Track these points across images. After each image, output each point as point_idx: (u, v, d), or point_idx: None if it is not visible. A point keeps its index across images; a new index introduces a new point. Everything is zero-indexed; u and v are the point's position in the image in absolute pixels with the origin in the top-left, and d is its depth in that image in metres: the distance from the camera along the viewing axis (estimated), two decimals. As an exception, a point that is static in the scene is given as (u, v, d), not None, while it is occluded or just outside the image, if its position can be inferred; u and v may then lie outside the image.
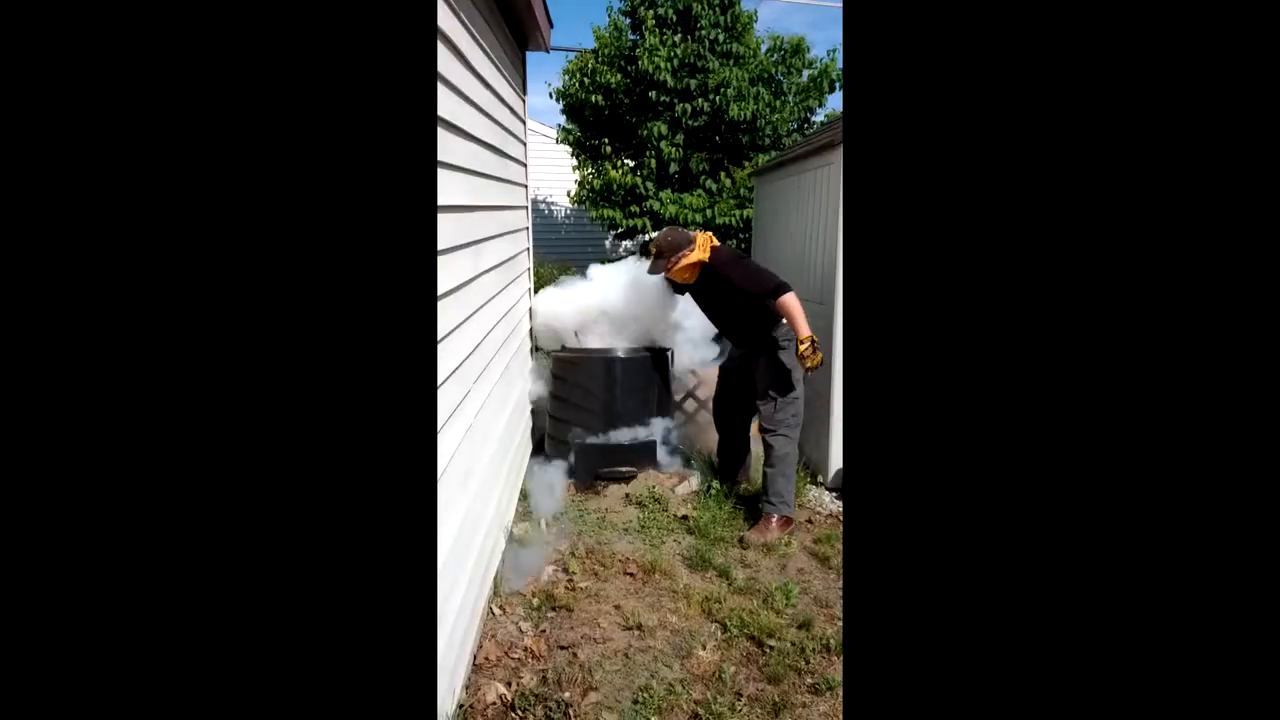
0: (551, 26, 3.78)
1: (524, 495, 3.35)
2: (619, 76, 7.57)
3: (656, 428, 3.59)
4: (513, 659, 2.24)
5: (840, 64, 7.77)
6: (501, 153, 2.92)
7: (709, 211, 7.38)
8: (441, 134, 1.79)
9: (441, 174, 1.79)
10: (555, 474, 3.47)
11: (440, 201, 1.77)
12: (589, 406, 3.56)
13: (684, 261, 3.14)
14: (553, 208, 10.85)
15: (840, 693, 2.08)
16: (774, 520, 3.07)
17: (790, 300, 2.96)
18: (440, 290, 1.73)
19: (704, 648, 2.29)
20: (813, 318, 3.10)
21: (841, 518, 3.32)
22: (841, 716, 2.00)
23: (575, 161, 8.45)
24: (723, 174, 7.56)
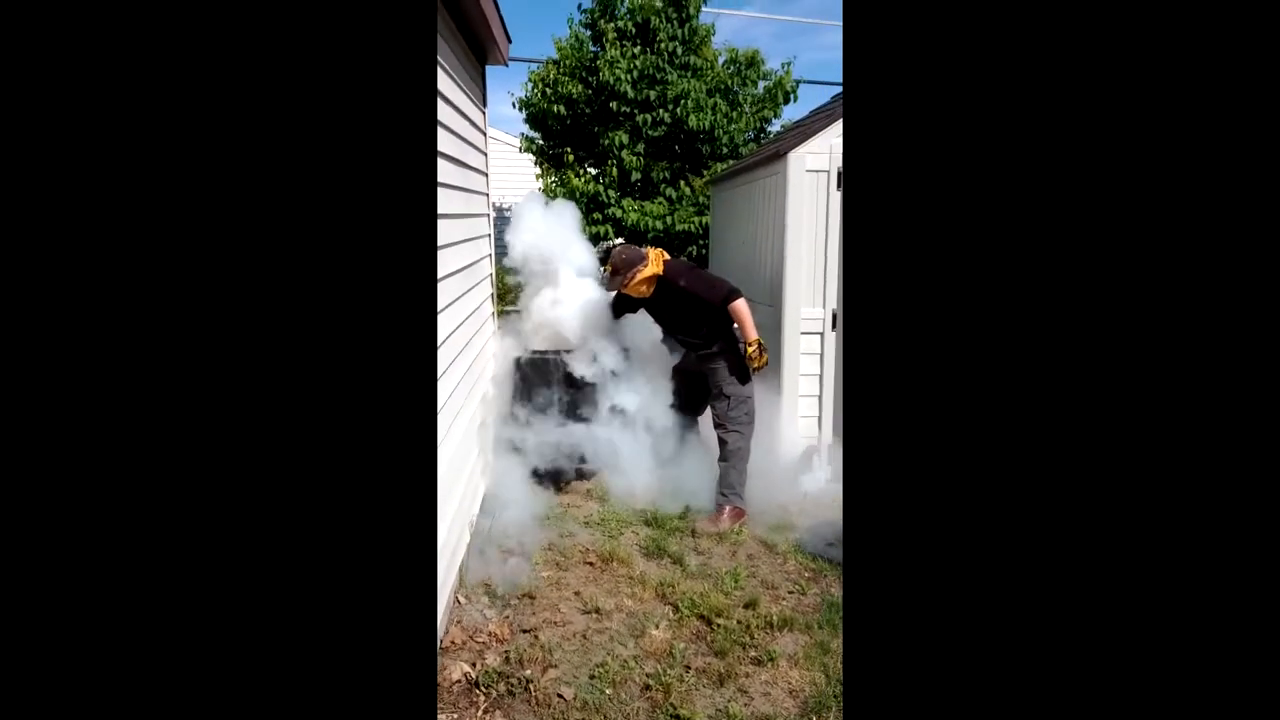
0: (510, 42, 3.93)
1: (488, 493, 3.47)
2: (580, 87, 7.74)
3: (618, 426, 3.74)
4: (478, 642, 2.37)
5: (794, 77, 8.05)
6: (461, 163, 3.06)
7: (669, 219, 7.57)
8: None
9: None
10: (519, 472, 3.61)
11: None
12: (551, 407, 3.70)
13: (640, 276, 3.32)
14: (517, 215, 10.95)
15: (780, 663, 2.25)
16: (726, 511, 3.24)
17: (741, 305, 3.20)
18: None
19: (657, 627, 2.45)
20: (762, 318, 3.31)
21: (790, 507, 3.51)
22: (778, 683, 2.17)
23: (539, 170, 8.59)
24: (682, 182, 7.77)
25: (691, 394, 3.56)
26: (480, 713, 2.03)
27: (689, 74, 7.59)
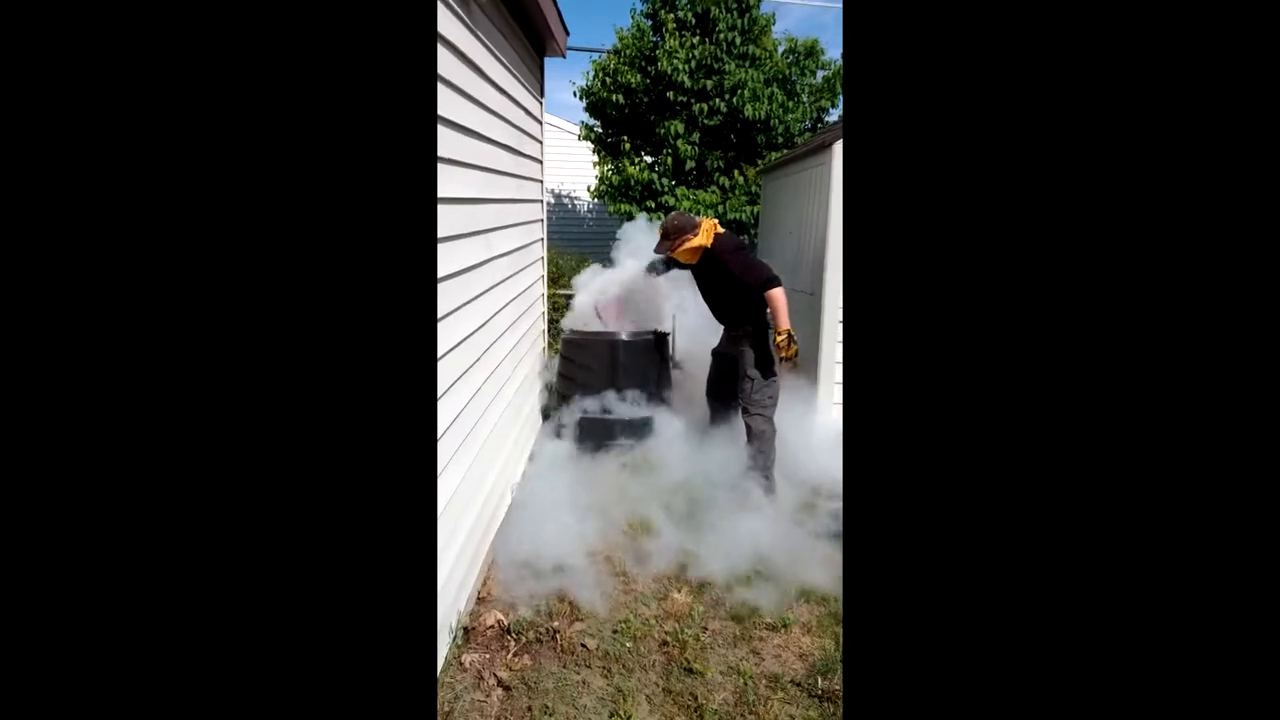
0: (568, 35, 4.08)
1: (531, 461, 3.67)
2: (639, 77, 7.87)
3: (655, 404, 3.90)
4: (511, 595, 2.57)
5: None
6: (515, 151, 3.24)
7: (721, 207, 7.66)
8: (454, 135, 2.11)
9: (453, 170, 2.11)
10: (561, 444, 3.80)
11: (451, 194, 2.09)
12: (594, 384, 3.87)
13: (688, 244, 3.41)
14: (575, 202, 11.18)
15: (793, 629, 2.37)
16: (754, 493, 3.35)
17: (778, 294, 3.24)
18: (448, 271, 2.05)
19: (679, 592, 2.60)
20: (804, 306, 3.39)
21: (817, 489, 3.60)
22: (789, 647, 2.29)
23: (596, 158, 8.77)
24: (736, 171, 7.83)
25: (725, 378, 3.67)
26: (510, 655, 2.22)
27: (747, 64, 7.63)
